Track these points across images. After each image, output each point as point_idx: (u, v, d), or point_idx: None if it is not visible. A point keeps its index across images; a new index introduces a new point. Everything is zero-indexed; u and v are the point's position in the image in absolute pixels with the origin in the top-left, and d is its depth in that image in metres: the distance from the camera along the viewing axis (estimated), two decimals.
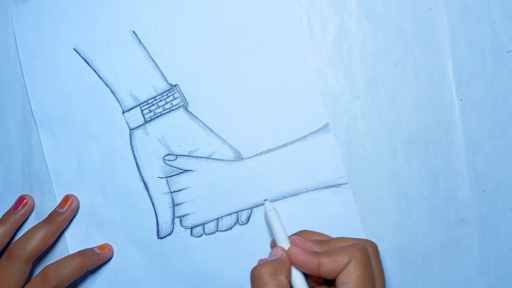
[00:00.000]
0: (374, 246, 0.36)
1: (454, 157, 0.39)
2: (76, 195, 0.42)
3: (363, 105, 0.40)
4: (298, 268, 0.35)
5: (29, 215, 0.43)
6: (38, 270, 0.42)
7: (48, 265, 0.39)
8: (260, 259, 0.36)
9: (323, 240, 0.36)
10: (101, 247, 0.42)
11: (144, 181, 0.42)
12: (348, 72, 0.41)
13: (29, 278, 0.40)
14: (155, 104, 0.42)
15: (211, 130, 0.41)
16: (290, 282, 0.34)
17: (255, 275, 0.34)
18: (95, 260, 0.41)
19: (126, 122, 0.42)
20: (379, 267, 0.35)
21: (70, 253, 0.42)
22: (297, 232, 0.38)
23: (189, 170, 0.42)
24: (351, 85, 0.41)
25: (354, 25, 0.41)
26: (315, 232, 0.39)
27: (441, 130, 0.40)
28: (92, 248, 0.41)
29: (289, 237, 0.37)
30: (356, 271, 0.32)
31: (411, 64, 0.40)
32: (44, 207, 0.43)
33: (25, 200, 0.42)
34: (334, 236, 0.38)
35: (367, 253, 0.34)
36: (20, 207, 0.42)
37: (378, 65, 0.40)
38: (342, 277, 0.32)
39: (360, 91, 0.40)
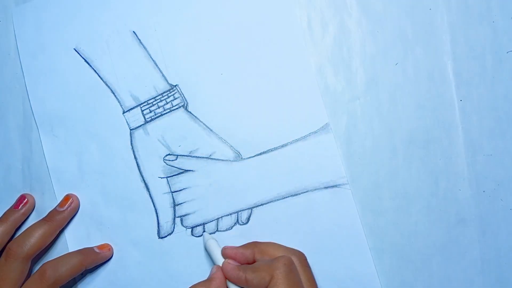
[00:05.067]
0: (301, 256, 0.37)
1: (454, 157, 0.39)
2: (76, 195, 0.42)
3: (363, 105, 0.40)
4: (232, 282, 0.36)
5: (30, 214, 0.43)
6: (37, 268, 0.42)
7: (46, 262, 0.39)
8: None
9: (254, 243, 0.38)
10: (101, 247, 0.42)
11: (144, 181, 0.42)
12: (348, 72, 0.41)
13: (28, 276, 0.40)
14: (155, 104, 0.42)
15: (211, 130, 0.41)
16: None
17: None
18: (94, 259, 0.41)
19: (127, 122, 0.42)
20: (308, 277, 0.36)
21: None
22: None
23: (190, 170, 0.42)
24: (351, 85, 0.41)
25: (354, 25, 0.41)
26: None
27: (441, 130, 0.40)
28: (91, 247, 0.41)
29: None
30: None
31: (411, 64, 0.40)
32: (45, 207, 0.43)
33: (26, 199, 0.42)
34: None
35: (291, 266, 0.35)
36: (20, 206, 0.42)
37: (378, 65, 0.40)
38: None
39: (360, 91, 0.40)
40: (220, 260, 0.38)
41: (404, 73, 0.40)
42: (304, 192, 0.40)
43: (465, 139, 0.39)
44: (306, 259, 0.37)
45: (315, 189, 0.40)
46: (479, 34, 0.40)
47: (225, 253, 0.38)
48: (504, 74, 0.39)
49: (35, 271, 0.40)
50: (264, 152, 0.41)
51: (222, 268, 0.37)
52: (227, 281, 0.37)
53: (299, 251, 0.37)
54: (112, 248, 0.42)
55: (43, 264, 0.39)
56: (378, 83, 0.40)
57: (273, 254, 0.37)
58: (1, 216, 0.42)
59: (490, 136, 0.39)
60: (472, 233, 0.39)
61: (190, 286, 0.36)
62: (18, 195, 0.43)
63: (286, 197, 0.40)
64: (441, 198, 0.39)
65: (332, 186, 0.40)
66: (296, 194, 0.40)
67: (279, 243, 0.38)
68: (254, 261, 0.37)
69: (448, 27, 0.40)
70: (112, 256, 0.42)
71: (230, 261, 0.37)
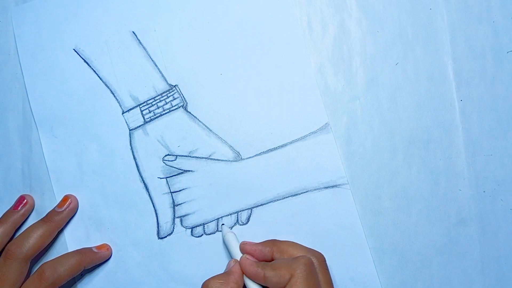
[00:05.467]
0: (320, 258, 0.37)
1: (454, 157, 0.39)
2: (76, 195, 0.42)
3: (363, 105, 0.40)
4: (249, 278, 0.36)
5: (29, 215, 0.43)
6: (36, 268, 0.42)
7: (45, 262, 0.39)
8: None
9: (273, 241, 0.38)
10: (99, 247, 0.42)
11: (144, 182, 0.42)
12: (348, 72, 0.41)
13: (27, 277, 0.40)
14: (154, 104, 0.42)
15: (211, 131, 0.41)
16: None
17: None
18: (92, 259, 0.41)
19: (126, 122, 0.42)
20: (326, 279, 0.35)
21: None
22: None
23: (189, 171, 0.42)
24: (351, 85, 0.41)
25: (354, 25, 0.41)
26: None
27: (441, 130, 0.40)
28: (89, 247, 0.41)
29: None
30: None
31: (411, 64, 0.40)
32: (44, 207, 0.43)
33: (25, 200, 0.42)
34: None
35: (311, 267, 0.34)
36: (20, 207, 0.42)
37: (378, 65, 0.40)
38: None
39: (360, 91, 0.40)
40: (238, 255, 0.38)
41: (404, 73, 0.40)
42: (304, 192, 0.40)
43: (465, 139, 0.39)
44: (325, 261, 0.37)
45: (315, 189, 0.40)
46: (479, 34, 0.40)
47: (243, 248, 0.38)
48: (504, 74, 0.39)
49: (34, 271, 0.40)
50: (263, 152, 0.41)
51: (240, 263, 0.37)
52: (244, 276, 0.36)
53: (318, 252, 0.37)
54: (110, 248, 0.42)
55: (41, 265, 0.39)
56: (378, 83, 0.40)
57: (292, 254, 0.36)
58: (1, 217, 0.42)
59: (490, 136, 0.39)
60: (472, 233, 0.39)
61: (208, 278, 0.36)
62: (18, 195, 0.43)
63: (286, 197, 0.40)
64: (441, 198, 0.39)
65: (332, 186, 0.40)
66: (296, 194, 0.40)
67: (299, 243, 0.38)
68: (271, 259, 0.37)
69: (448, 27, 0.40)
70: (110, 256, 0.42)
71: (248, 256, 0.37)
